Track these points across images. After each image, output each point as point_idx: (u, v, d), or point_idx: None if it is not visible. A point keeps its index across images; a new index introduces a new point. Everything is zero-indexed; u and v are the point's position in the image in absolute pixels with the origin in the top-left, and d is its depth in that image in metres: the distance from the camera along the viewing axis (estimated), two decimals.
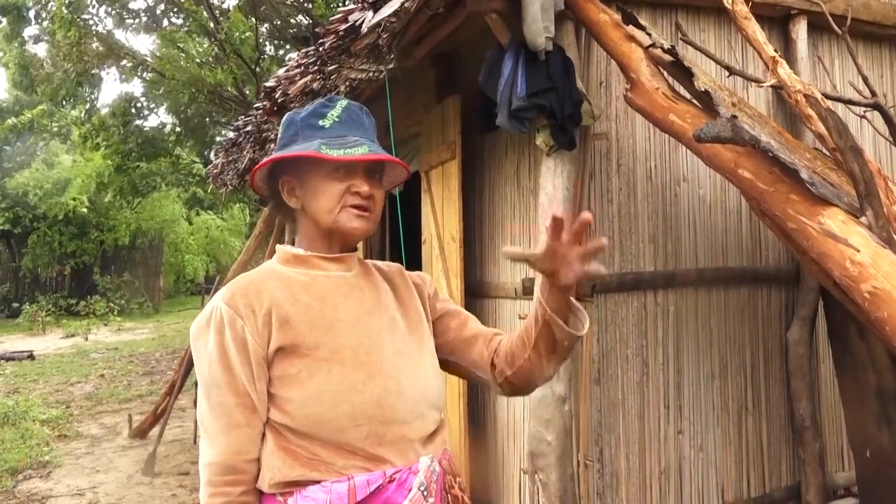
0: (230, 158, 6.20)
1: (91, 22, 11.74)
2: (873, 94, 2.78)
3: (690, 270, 3.23)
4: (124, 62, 11.89)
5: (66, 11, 10.99)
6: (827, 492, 3.37)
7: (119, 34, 12.26)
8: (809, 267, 2.47)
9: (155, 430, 6.15)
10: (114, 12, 11.77)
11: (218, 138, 12.65)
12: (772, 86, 2.63)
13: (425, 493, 1.24)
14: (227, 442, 1.25)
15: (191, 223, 22.66)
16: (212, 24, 11.61)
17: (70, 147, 18.56)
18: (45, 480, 5.40)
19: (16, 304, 18.19)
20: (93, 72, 11.90)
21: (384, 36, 2.95)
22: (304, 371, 1.25)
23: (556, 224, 1.20)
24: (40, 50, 12.85)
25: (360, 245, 1.60)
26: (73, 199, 17.68)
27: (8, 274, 20.13)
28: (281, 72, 4.18)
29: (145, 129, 12.87)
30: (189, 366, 6.28)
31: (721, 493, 3.26)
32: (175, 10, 12.16)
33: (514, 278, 3.30)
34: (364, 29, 2.93)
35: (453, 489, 1.33)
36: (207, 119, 12.80)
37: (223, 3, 12.30)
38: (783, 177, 2.17)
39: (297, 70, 3.79)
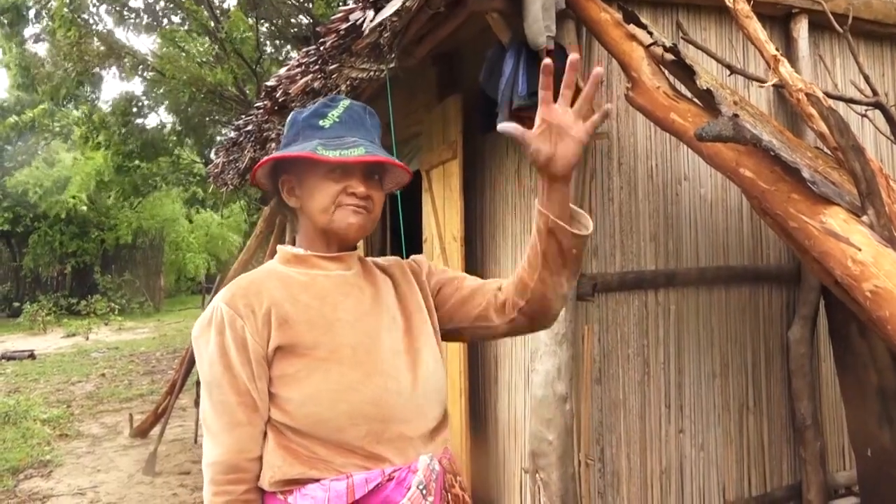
0: (231, 158, 6.20)
1: (91, 21, 11.74)
2: (874, 92, 2.78)
3: (691, 269, 3.23)
4: (125, 61, 11.89)
5: (66, 11, 10.99)
6: (828, 491, 3.37)
7: (120, 33, 12.28)
8: (811, 266, 2.47)
9: (156, 430, 6.15)
10: (114, 11, 11.76)
11: (218, 138, 12.67)
12: (773, 85, 2.63)
13: (424, 491, 1.25)
14: (229, 441, 1.26)
15: (191, 221, 22.66)
16: (212, 24, 11.61)
17: (71, 146, 18.56)
18: (46, 480, 5.41)
19: (17, 304, 18.19)
20: (93, 70, 11.89)
21: (385, 35, 2.95)
22: (302, 370, 1.26)
23: (547, 73, 1.18)
24: (41, 49, 12.86)
25: (360, 243, 1.60)
26: (73, 197, 17.67)
27: (9, 273, 20.14)
28: (282, 71, 4.18)
29: (146, 128, 12.86)
30: (190, 365, 6.28)
31: (722, 492, 3.27)
32: (175, 9, 12.15)
33: None
34: (365, 28, 2.93)
35: (453, 488, 1.33)
36: (207, 118, 12.80)
37: (223, 2, 12.31)
38: (784, 176, 2.17)
39: (298, 69, 3.79)
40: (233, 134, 6.01)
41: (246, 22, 11.56)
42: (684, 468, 3.18)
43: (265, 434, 1.28)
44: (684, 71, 2.57)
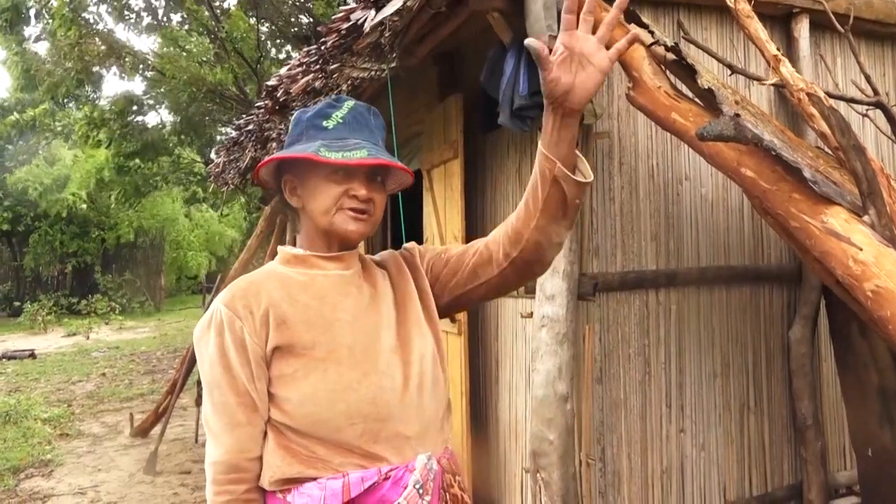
0: (232, 157, 6.20)
1: (92, 20, 11.74)
2: (875, 92, 2.78)
3: (692, 269, 3.23)
4: (126, 60, 11.89)
5: (66, 10, 10.99)
6: (829, 491, 3.37)
7: (120, 33, 12.29)
8: (812, 266, 2.47)
9: (156, 429, 6.16)
10: (114, 11, 11.76)
11: (219, 137, 12.67)
12: (774, 84, 2.63)
13: (421, 490, 1.25)
14: (230, 441, 1.26)
15: (191, 219, 22.67)
16: (213, 24, 11.61)
17: (72, 145, 18.58)
18: (46, 479, 5.42)
19: (17, 303, 18.23)
20: (93, 69, 11.89)
21: (386, 35, 2.95)
22: (300, 371, 1.26)
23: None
24: (41, 48, 12.87)
25: (361, 243, 1.60)
26: (73, 194, 17.68)
27: (9, 273, 20.17)
28: (283, 70, 4.18)
29: (147, 128, 12.86)
30: (190, 365, 6.29)
31: (723, 491, 3.27)
32: (176, 8, 12.15)
33: None
34: (366, 28, 2.93)
35: (452, 488, 1.33)
36: (208, 118, 12.80)
37: (223, 1, 12.31)
38: (786, 175, 2.17)
39: (299, 69, 3.79)
40: (234, 133, 6.01)
41: (246, 22, 11.56)
42: (685, 468, 3.18)
43: (266, 434, 1.29)
44: (685, 70, 2.57)
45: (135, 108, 12.74)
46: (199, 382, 5.42)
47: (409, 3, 2.71)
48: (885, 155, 3.74)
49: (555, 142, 1.24)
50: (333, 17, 3.34)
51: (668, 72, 2.64)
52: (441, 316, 1.47)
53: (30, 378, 9.77)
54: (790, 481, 3.43)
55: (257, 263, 7.20)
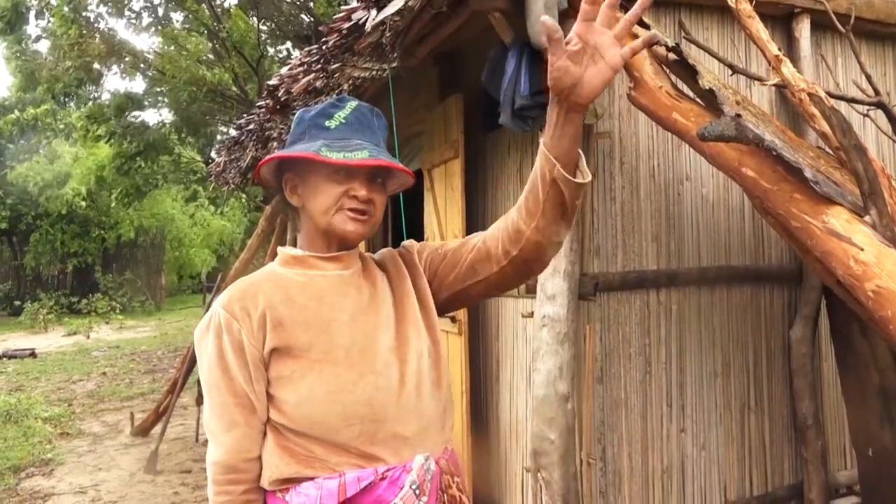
0: (233, 157, 6.20)
1: (92, 19, 11.74)
2: (876, 92, 2.78)
3: (693, 269, 3.23)
4: (126, 60, 11.90)
5: (66, 10, 11.00)
6: (829, 490, 3.38)
7: (121, 32, 12.31)
8: (813, 266, 2.48)
9: (157, 428, 6.16)
10: (114, 10, 11.76)
11: (219, 136, 12.68)
12: (775, 84, 2.63)
13: (417, 491, 1.25)
14: (228, 441, 1.27)
15: (192, 217, 22.65)
16: (214, 23, 11.62)
17: (73, 143, 18.58)
18: (47, 478, 5.42)
19: (18, 302, 18.22)
20: (94, 66, 11.90)
21: (388, 34, 2.95)
22: (297, 372, 1.27)
23: None
24: (42, 46, 12.87)
25: (362, 242, 1.60)
26: (73, 189, 17.67)
27: (10, 272, 20.16)
28: (284, 70, 4.18)
29: (148, 127, 12.87)
30: (191, 364, 6.29)
31: (724, 491, 3.27)
32: (176, 7, 12.15)
33: None
34: (368, 27, 2.94)
35: (451, 489, 1.33)
36: (208, 117, 12.81)
37: (224, 1, 12.31)
38: (787, 175, 2.17)
39: (301, 68, 3.79)
40: (235, 133, 6.02)
41: (246, 21, 11.56)
42: (686, 467, 3.18)
43: (265, 434, 1.29)
44: (686, 70, 2.57)
45: (134, 104, 12.73)
46: (199, 382, 5.42)
47: (410, 3, 2.71)
48: (886, 155, 3.74)
49: (557, 137, 1.22)
50: (335, 17, 3.34)
51: (669, 72, 2.65)
52: (440, 313, 1.46)
53: (30, 377, 9.77)
54: (791, 481, 3.43)
55: (258, 263, 7.21)
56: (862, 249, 1.93)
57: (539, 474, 2.72)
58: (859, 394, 2.80)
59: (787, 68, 2.48)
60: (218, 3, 11.95)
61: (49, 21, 11.70)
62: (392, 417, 1.28)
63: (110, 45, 11.63)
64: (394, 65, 3.27)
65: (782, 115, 3.44)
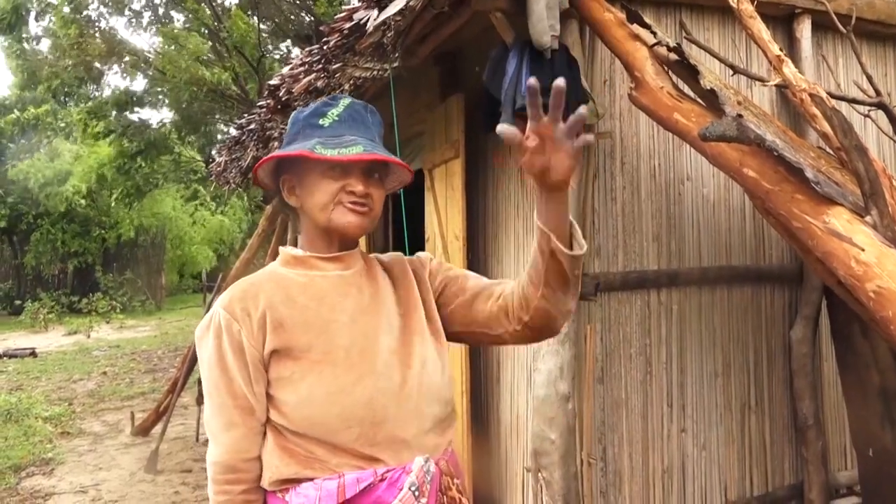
0: (233, 156, 6.20)
1: (93, 18, 11.75)
2: (877, 92, 2.78)
3: (694, 269, 3.23)
4: (126, 59, 11.90)
5: (66, 10, 11.00)
6: (829, 491, 3.38)
7: (121, 32, 12.31)
8: (814, 266, 2.48)
9: (157, 428, 6.16)
10: (115, 9, 11.76)
11: (220, 136, 12.68)
12: (776, 85, 2.63)
13: (417, 493, 1.25)
14: (227, 441, 1.28)
15: (192, 216, 22.64)
16: (214, 23, 11.62)
17: (74, 142, 18.57)
18: (47, 477, 5.42)
19: (18, 302, 18.22)
20: (94, 65, 11.90)
21: (389, 34, 2.95)
22: (297, 373, 1.27)
23: (533, 94, 1.15)
24: (43, 46, 12.87)
25: (362, 242, 1.60)
26: (73, 187, 17.66)
27: (10, 271, 20.16)
28: (285, 70, 4.19)
29: (148, 127, 12.87)
30: (191, 363, 6.29)
31: (724, 491, 3.27)
32: (176, 6, 12.15)
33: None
34: (369, 27, 2.94)
35: (450, 490, 1.33)
36: (209, 116, 12.81)
37: (224, 0, 12.31)
38: (788, 176, 2.17)
39: (302, 68, 3.79)
40: (235, 132, 6.02)
41: (247, 21, 11.56)
42: (686, 467, 3.18)
43: (265, 434, 1.29)
44: (688, 71, 2.57)
45: (133, 100, 12.72)
46: (199, 381, 5.42)
47: (411, 3, 2.71)
48: (886, 155, 3.74)
49: (545, 212, 1.25)
50: (336, 17, 3.34)
51: (670, 72, 2.65)
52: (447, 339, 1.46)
53: (31, 376, 9.78)
54: (791, 481, 3.43)
55: (258, 262, 7.21)
56: (863, 250, 1.93)
57: (539, 474, 2.72)
58: (860, 394, 2.80)
59: (789, 69, 2.47)
60: (218, 2, 11.95)
61: (50, 21, 11.71)
62: (392, 419, 1.28)
63: (111, 45, 11.64)
64: (395, 65, 3.27)
65: (783, 115, 3.44)
